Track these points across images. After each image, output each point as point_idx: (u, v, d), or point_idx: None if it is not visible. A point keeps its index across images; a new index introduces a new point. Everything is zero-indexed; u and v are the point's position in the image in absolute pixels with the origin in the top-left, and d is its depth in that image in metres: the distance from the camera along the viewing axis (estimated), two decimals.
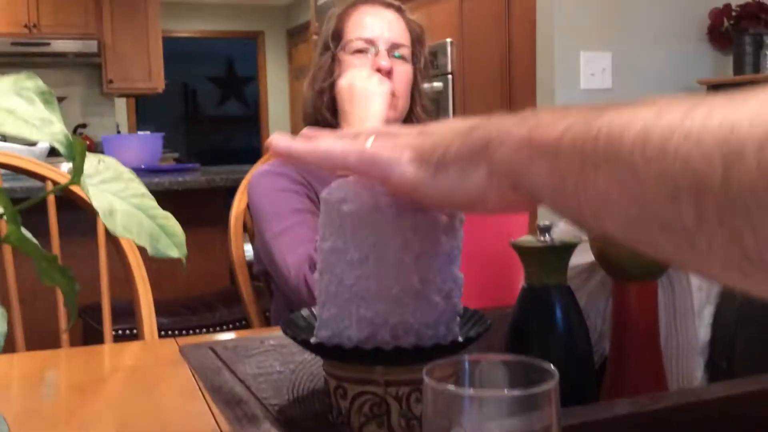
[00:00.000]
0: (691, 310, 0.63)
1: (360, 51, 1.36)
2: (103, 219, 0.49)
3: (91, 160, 0.53)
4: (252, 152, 8.73)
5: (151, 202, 0.52)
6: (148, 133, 4.98)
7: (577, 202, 0.38)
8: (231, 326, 2.30)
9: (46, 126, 0.41)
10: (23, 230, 0.47)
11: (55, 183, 1.34)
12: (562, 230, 0.69)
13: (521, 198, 0.44)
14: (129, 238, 0.49)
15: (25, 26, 5.54)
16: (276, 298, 1.44)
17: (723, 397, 0.54)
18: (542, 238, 0.61)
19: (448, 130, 0.48)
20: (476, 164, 0.44)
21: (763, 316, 0.66)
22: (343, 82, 1.31)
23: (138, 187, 0.52)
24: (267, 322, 1.59)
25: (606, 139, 0.35)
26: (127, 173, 0.53)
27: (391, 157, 0.49)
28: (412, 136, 0.50)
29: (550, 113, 0.41)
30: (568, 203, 0.39)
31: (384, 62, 1.33)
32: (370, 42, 1.35)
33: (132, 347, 1.23)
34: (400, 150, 0.49)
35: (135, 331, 1.94)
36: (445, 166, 0.46)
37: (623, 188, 0.34)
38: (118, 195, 0.51)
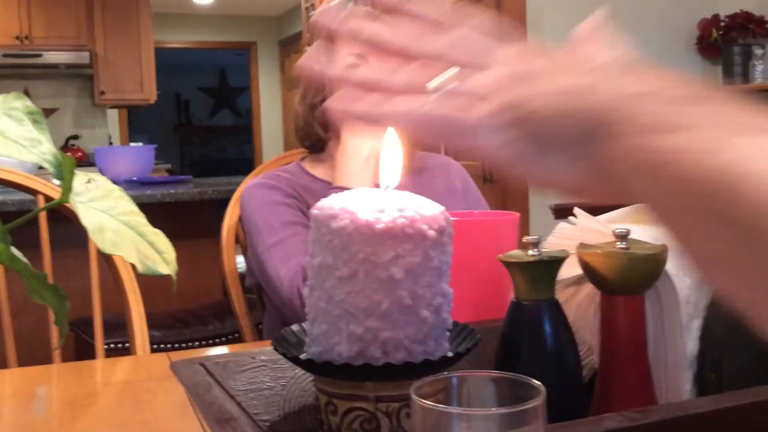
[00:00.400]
0: (679, 324, 0.63)
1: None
2: (92, 236, 0.49)
3: (80, 178, 0.53)
4: (245, 163, 8.74)
5: (141, 219, 0.53)
6: (140, 144, 4.98)
7: (687, 242, 0.34)
8: (224, 339, 2.30)
9: (35, 146, 0.42)
10: (13, 249, 0.47)
11: (46, 197, 1.33)
12: (550, 244, 0.70)
13: (627, 199, 0.39)
14: (118, 255, 0.49)
15: (17, 38, 5.53)
16: (269, 311, 1.44)
17: (712, 410, 0.54)
18: (530, 253, 0.61)
19: (548, 80, 0.39)
20: (582, 155, 0.37)
21: (751, 328, 0.66)
22: None
23: (127, 204, 0.52)
24: (260, 335, 1.59)
25: (728, 188, 0.29)
26: (117, 191, 0.53)
27: (473, 123, 0.39)
28: (505, 76, 0.39)
29: (675, 99, 0.34)
30: (677, 236, 0.34)
31: None
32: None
33: (124, 362, 1.22)
34: (489, 110, 0.38)
35: (127, 344, 1.94)
36: (548, 146, 0.38)
37: (741, 255, 0.30)
38: (108, 212, 0.52)
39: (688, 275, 0.65)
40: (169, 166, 6.30)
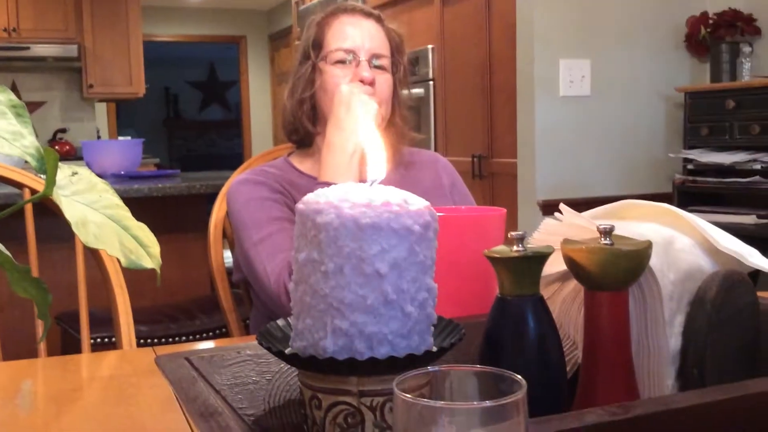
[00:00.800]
0: (662, 319, 0.63)
1: (341, 61, 1.36)
2: (75, 230, 0.49)
3: (64, 171, 0.53)
4: (234, 157, 8.71)
5: (125, 212, 0.52)
6: (128, 138, 4.95)
7: None
8: (211, 334, 2.29)
9: (18, 139, 0.41)
10: None
11: (32, 190, 1.33)
12: (535, 240, 0.70)
13: None
14: (102, 249, 0.49)
15: (5, 30, 5.49)
16: (255, 307, 1.44)
17: (694, 405, 0.55)
18: (515, 248, 0.62)
19: None
20: None
21: (734, 324, 0.67)
22: (344, 89, 1.32)
23: (111, 198, 0.52)
24: (247, 331, 1.59)
25: None
26: (101, 184, 0.53)
27: None
28: None
29: None
30: None
31: (366, 73, 1.33)
32: (351, 52, 1.36)
33: (109, 357, 1.22)
34: None
35: (113, 339, 1.93)
36: None
37: None
38: (92, 206, 0.51)
39: (672, 271, 0.65)
40: (157, 160, 6.28)
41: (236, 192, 1.35)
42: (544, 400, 0.59)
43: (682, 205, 2.86)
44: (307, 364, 0.56)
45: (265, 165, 1.44)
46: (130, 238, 0.50)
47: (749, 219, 2.78)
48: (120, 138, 6.20)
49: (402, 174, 1.43)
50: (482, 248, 0.65)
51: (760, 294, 0.71)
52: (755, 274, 0.72)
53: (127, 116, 8.33)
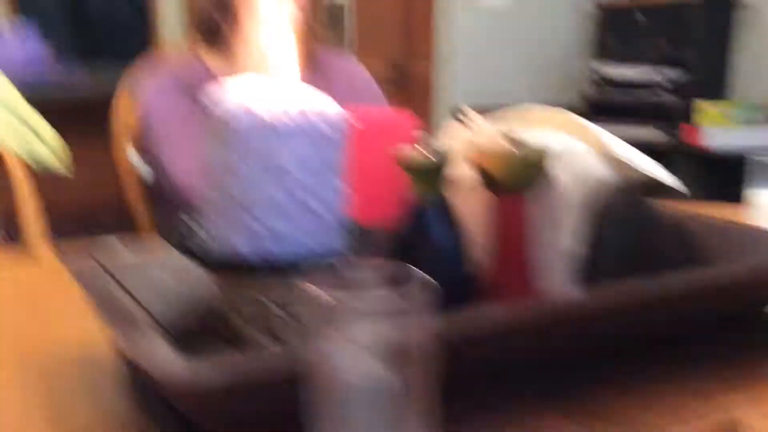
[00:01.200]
0: (562, 223, 0.66)
1: None
2: None
3: None
4: (142, 50, 8.32)
5: (24, 106, 0.50)
6: (25, 29, 4.64)
7: None
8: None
9: None
10: None
11: None
12: (443, 144, 0.71)
13: None
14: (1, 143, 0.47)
15: None
16: (167, 210, 1.42)
17: (592, 305, 0.58)
18: (423, 153, 0.63)
19: None
20: None
21: (631, 232, 0.71)
22: None
23: (9, 90, 0.50)
24: (158, 235, 1.57)
25: None
26: None
27: None
28: None
29: None
30: None
31: None
32: None
33: (16, 259, 1.18)
34: None
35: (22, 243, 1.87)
36: None
37: None
38: None
39: (572, 178, 0.68)
40: (59, 53, 5.92)
41: (145, 93, 1.31)
42: (451, 301, 0.62)
43: (590, 117, 2.95)
44: (219, 265, 0.56)
45: (174, 65, 1.40)
46: (28, 131, 0.49)
47: (654, 133, 2.90)
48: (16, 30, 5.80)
49: (316, 76, 1.41)
50: (392, 153, 0.65)
51: (657, 204, 0.74)
52: (654, 186, 0.76)
53: (26, 4, 7.79)
